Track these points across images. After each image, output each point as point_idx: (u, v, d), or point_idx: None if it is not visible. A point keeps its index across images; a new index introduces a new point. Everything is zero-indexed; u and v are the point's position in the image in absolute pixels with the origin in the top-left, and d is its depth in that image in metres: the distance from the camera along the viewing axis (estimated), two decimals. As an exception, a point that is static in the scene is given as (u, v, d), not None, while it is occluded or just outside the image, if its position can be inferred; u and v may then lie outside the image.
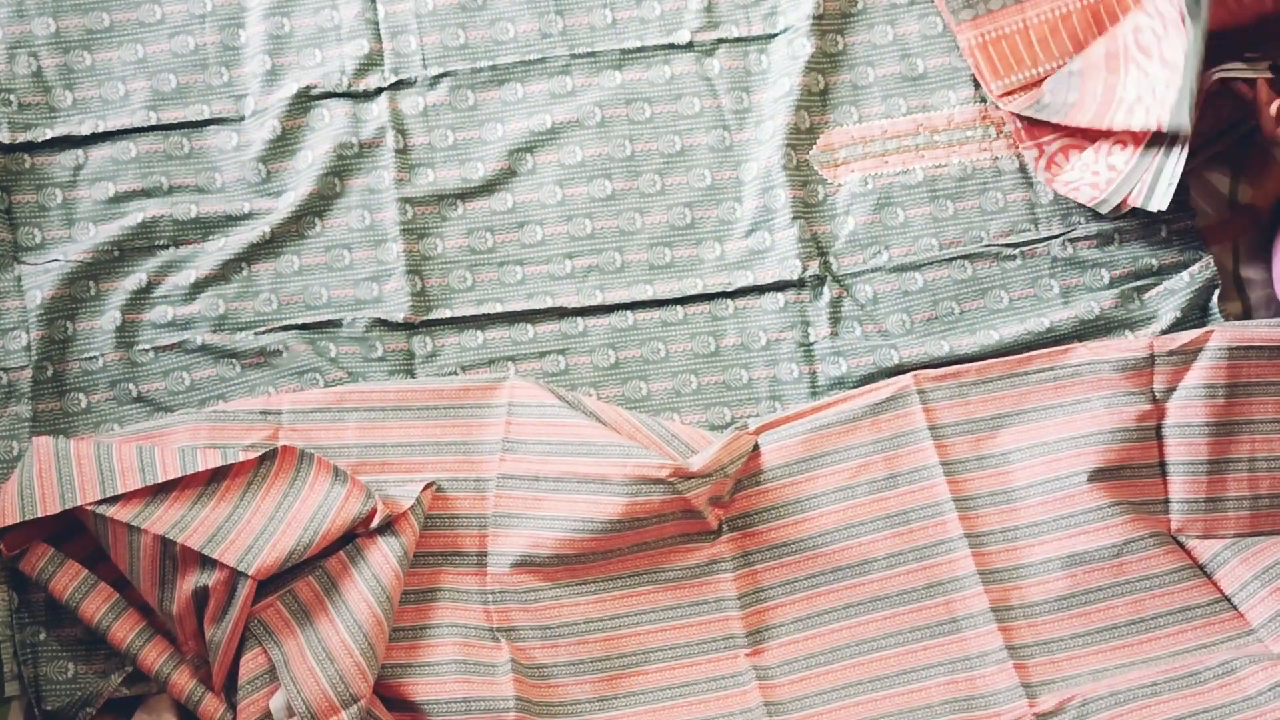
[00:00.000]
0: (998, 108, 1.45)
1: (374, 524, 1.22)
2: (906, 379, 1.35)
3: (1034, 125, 1.44)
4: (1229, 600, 1.29)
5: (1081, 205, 1.42)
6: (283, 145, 1.41)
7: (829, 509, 1.31)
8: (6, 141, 1.39)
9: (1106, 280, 1.41)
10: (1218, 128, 1.41)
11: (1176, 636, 1.28)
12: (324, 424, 1.31)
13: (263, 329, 1.36)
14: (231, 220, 1.40)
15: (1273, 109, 1.30)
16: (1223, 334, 1.32)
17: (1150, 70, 1.36)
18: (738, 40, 1.47)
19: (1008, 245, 1.42)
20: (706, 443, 1.32)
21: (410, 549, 1.24)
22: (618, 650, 1.28)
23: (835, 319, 1.40)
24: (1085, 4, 1.44)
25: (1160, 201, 1.33)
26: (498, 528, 1.30)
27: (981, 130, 1.45)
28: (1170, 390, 1.33)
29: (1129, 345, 1.35)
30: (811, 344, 1.40)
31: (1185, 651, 1.27)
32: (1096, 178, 1.38)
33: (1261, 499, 1.31)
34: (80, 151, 1.40)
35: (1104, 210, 1.38)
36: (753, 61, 1.47)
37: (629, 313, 1.40)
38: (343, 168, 1.41)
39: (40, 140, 1.39)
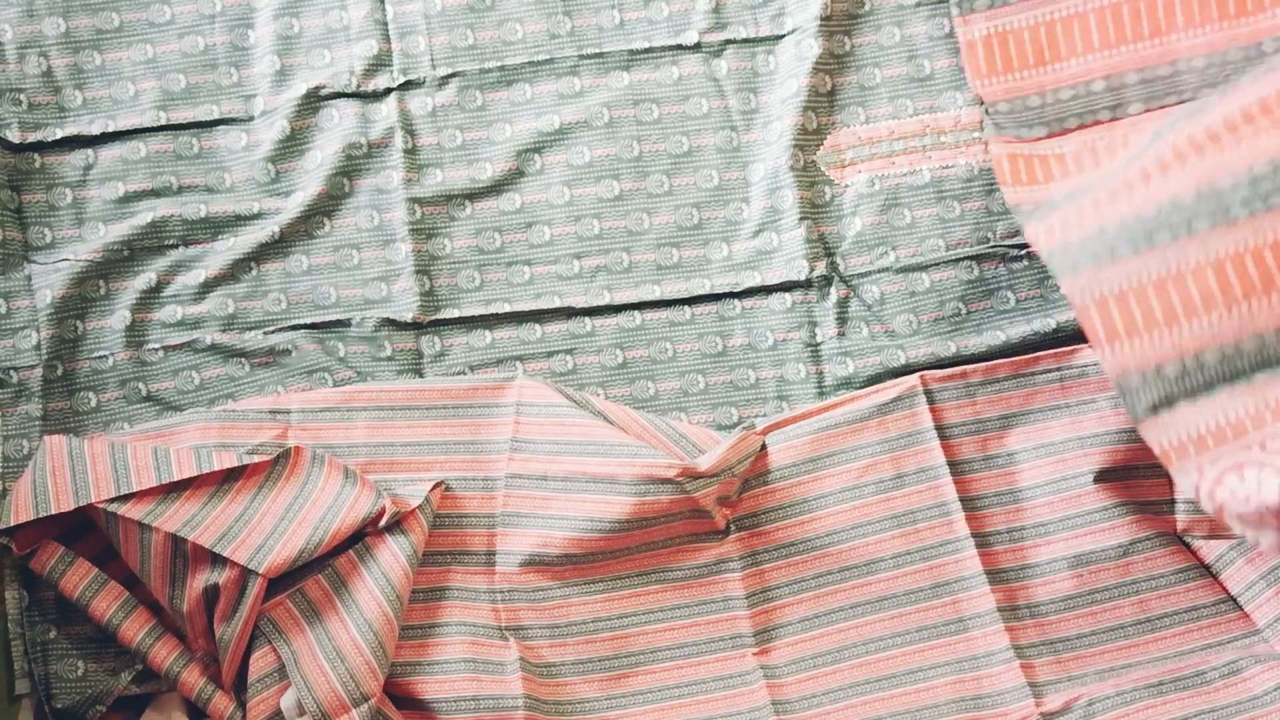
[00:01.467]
0: (988, 113, 1.45)
1: (383, 523, 1.23)
2: (913, 379, 1.35)
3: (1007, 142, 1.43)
4: (1234, 600, 1.29)
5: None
6: (292, 145, 1.42)
7: (836, 509, 1.31)
8: (17, 141, 1.39)
9: (1113, 281, 1.41)
10: None
11: (1182, 636, 1.28)
12: (333, 423, 1.31)
13: (272, 328, 1.37)
14: (241, 220, 1.40)
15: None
16: (1229, 335, 1.32)
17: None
18: (745, 41, 1.47)
19: (1014, 246, 1.42)
20: (714, 442, 1.33)
21: (419, 548, 1.24)
22: (625, 649, 1.28)
23: (842, 319, 1.40)
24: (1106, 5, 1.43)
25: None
26: (506, 527, 1.30)
27: (988, 131, 1.46)
28: (1176, 391, 1.33)
29: (1135, 346, 1.35)
30: (818, 344, 1.40)
31: (1191, 651, 1.27)
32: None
33: (1267, 499, 1.32)
34: (90, 151, 1.40)
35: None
36: (760, 62, 1.47)
37: (636, 313, 1.40)
38: (351, 168, 1.41)
39: (50, 140, 1.40)
